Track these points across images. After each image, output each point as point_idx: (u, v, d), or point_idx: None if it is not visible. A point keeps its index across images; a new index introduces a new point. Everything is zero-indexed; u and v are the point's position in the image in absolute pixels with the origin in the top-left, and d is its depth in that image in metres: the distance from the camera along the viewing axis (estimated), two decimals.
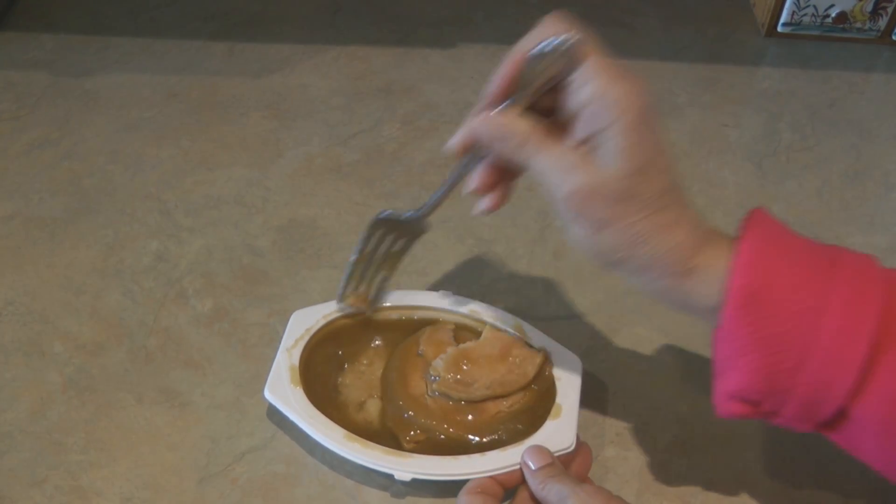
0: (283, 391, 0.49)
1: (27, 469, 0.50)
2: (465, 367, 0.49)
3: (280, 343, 0.52)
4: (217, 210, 0.66)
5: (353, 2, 0.87)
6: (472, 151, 0.43)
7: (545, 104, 0.41)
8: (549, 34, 0.39)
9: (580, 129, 0.39)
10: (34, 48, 0.81)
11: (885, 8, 0.80)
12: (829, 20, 0.82)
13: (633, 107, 0.37)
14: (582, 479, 0.47)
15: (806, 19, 0.82)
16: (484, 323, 0.53)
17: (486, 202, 0.44)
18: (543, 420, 0.48)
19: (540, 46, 0.38)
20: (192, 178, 0.68)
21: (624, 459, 0.51)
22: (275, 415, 0.52)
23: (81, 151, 0.70)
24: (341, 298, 0.52)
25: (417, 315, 0.54)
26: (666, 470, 0.50)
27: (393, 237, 0.51)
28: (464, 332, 0.53)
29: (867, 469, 0.49)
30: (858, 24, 0.82)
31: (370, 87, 0.77)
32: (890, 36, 0.83)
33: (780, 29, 0.83)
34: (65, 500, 0.48)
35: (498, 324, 0.53)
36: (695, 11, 0.87)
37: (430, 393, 0.49)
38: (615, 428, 0.52)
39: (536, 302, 0.59)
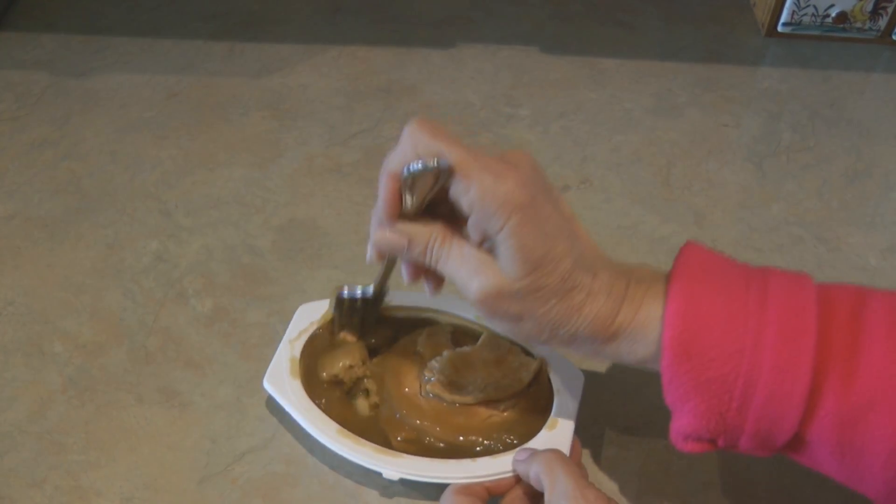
0: (282, 382, 0.49)
1: (27, 469, 0.50)
2: (460, 370, 0.49)
3: (282, 337, 0.52)
4: (217, 210, 0.66)
5: (353, 2, 0.87)
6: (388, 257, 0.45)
7: (445, 205, 0.41)
8: (416, 151, 0.39)
9: (472, 232, 0.40)
10: (34, 48, 0.81)
11: (885, 8, 0.80)
12: (829, 20, 0.82)
13: (517, 207, 0.37)
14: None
15: (806, 19, 0.82)
16: (484, 326, 0.53)
17: (428, 286, 0.45)
18: (536, 432, 0.48)
19: (408, 171, 0.39)
20: (192, 178, 0.68)
21: (624, 459, 0.51)
22: (274, 415, 0.52)
23: (81, 151, 0.70)
24: (337, 332, 0.53)
25: (420, 315, 0.54)
26: (666, 470, 0.50)
27: (360, 305, 0.51)
28: (464, 335, 0.53)
29: None
30: (858, 24, 0.82)
31: (370, 87, 0.77)
32: (890, 36, 0.83)
33: (780, 29, 0.83)
34: (65, 500, 0.48)
35: (498, 328, 0.53)
36: (695, 11, 0.87)
37: (423, 394, 0.49)
38: (615, 428, 0.52)
39: None
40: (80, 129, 0.73)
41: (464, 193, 0.38)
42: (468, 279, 0.40)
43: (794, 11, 0.81)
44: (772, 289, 0.38)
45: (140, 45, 0.81)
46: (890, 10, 0.80)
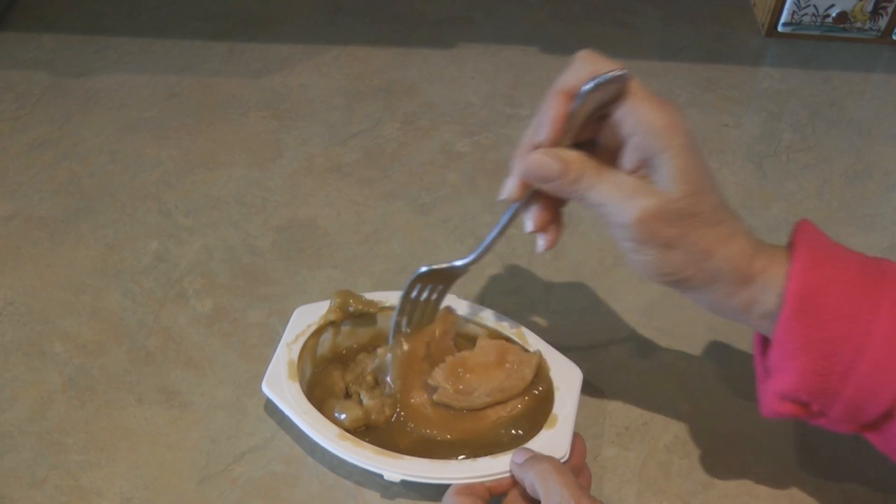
0: (281, 385, 0.49)
1: (27, 469, 0.50)
2: (463, 377, 0.49)
3: (280, 340, 0.52)
4: (217, 210, 0.66)
5: (353, 2, 0.87)
6: (528, 193, 0.43)
7: (583, 135, 0.41)
8: (593, 70, 0.39)
9: (629, 157, 0.40)
10: (34, 48, 0.81)
11: (885, 8, 0.80)
12: (830, 20, 0.82)
13: (682, 132, 0.38)
14: (578, 468, 0.47)
15: (806, 19, 0.82)
16: (485, 325, 0.53)
17: (544, 240, 0.44)
18: (541, 423, 0.48)
19: (593, 83, 0.38)
20: (192, 178, 0.68)
21: (624, 459, 0.51)
22: (274, 414, 0.52)
23: (81, 151, 0.70)
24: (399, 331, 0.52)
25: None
26: (666, 470, 0.50)
27: (432, 286, 0.50)
28: (463, 336, 0.53)
29: (867, 470, 0.49)
30: (859, 24, 0.82)
31: (370, 87, 0.77)
32: (890, 36, 0.83)
33: (780, 29, 0.83)
34: (65, 500, 0.48)
35: (499, 329, 0.53)
36: (695, 11, 0.87)
37: (432, 403, 0.49)
38: (615, 428, 0.52)
39: (536, 302, 0.59)
40: (80, 129, 0.73)
41: (631, 113, 0.38)
42: (626, 201, 0.39)
43: (794, 11, 0.81)
44: (885, 266, 0.40)
45: (140, 45, 0.81)
46: (890, 10, 0.80)
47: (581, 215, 0.65)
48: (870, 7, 0.80)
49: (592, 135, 0.42)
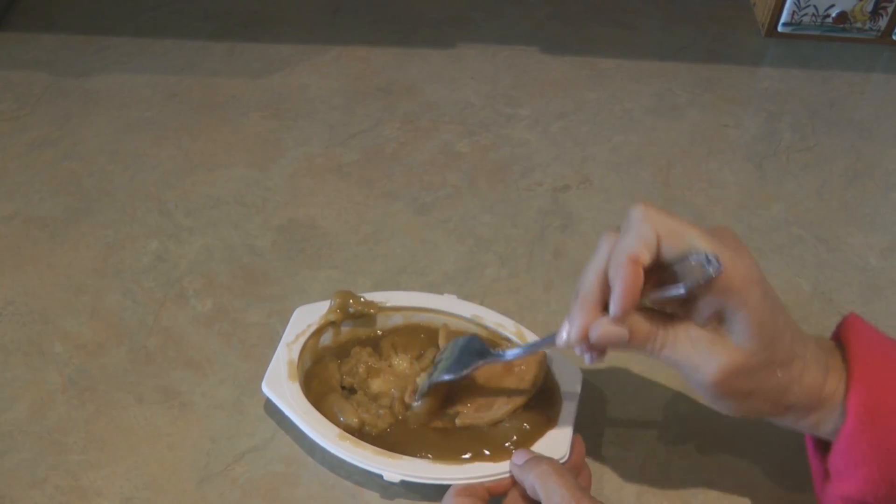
0: (281, 386, 0.49)
1: (27, 469, 0.50)
2: (479, 394, 0.49)
3: (280, 339, 0.52)
4: (217, 210, 0.66)
5: (353, 2, 0.87)
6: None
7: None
8: (652, 237, 0.38)
9: (703, 310, 0.39)
10: (34, 48, 0.81)
11: (885, 8, 0.80)
12: (830, 20, 0.82)
13: (756, 284, 0.38)
14: (578, 468, 0.47)
15: (806, 19, 0.82)
16: (485, 327, 0.53)
17: (590, 358, 0.43)
18: (547, 418, 0.48)
19: (687, 287, 0.37)
20: (192, 178, 0.68)
21: (624, 459, 0.51)
22: (274, 414, 0.52)
23: (81, 151, 0.70)
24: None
25: (419, 317, 0.54)
26: (666, 470, 0.50)
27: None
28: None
29: None
30: (858, 24, 0.82)
31: (370, 87, 0.77)
32: (890, 36, 0.83)
33: (780, 29, 0.83)
34: (65, 500, 0.48)
35: (499, 329, 0.53)
36: (695, 11, 0.87)
37: (457, 424, 0.49)
38: (615, 428, 0.52)
39: (536, 302, 0.59)
40: (80, 129, 0.72)
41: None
42: (702, 361, 0.39)
43: (794, 11, 0.81)
44: None
45: (140, 45, 0.81)
46: (890, 10, 0.80)
47: (581, 215, 0.65)
48: (870, 7, 0.80)
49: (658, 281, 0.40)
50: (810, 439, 0.45)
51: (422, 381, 0.49)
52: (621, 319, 0.39)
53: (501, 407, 0.49)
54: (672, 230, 0.38)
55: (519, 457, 0.45)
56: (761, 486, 0.50)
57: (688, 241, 0.37)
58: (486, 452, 0.47)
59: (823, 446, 0.43)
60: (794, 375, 0.40)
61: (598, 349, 0.41)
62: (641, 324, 0.40)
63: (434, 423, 0.49)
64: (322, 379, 0.51)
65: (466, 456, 0.46)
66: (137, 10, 0.86)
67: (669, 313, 0.41)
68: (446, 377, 0.48)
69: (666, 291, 0.39)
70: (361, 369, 0.51)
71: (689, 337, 0.39)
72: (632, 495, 0.49)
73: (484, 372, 0.50)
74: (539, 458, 0.44)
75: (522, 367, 0.50)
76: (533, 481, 0.43)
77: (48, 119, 0.73)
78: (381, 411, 0.49)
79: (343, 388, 0.51)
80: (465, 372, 0.47)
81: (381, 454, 0.46)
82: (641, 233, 0.38)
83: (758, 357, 0.39)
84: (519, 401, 0.49)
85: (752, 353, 0.38)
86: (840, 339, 0.42)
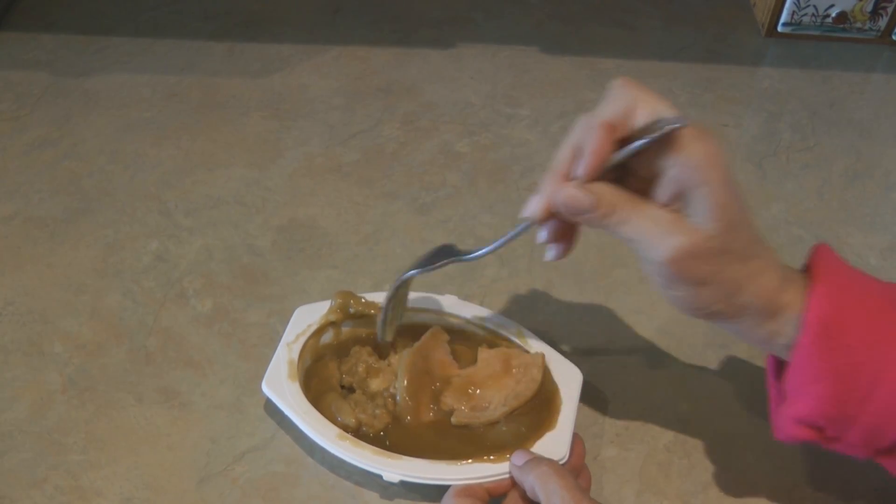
0: (281, 385, 0.49)
1: (27, 469, 0.50)
2: (475, 393, 0.49)
3: (280, 340, 0.52)
4: (217, 210, 0.66)
5: (353, 2, 0.87)
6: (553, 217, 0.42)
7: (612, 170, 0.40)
8: (634, 104, 0.38)
9: (664, 189, 0.39)
10: (34, 48, 0.81)
11: (885, 8, 0.80)
12: (829, 20, 0.82)
13: (719, 166, 0.38)
14: (578, 469, 0.47)
15: (806, 19, 0.82)
16: (485, 327, 0.53)
17: (555, 251, 0.44)
18: (544, 420, 0.48)
19: (647, 139, 0.37)
20: (192, 178, 0.68)
21: (624, 459, 0.51)
22: (274, 414, 0.52)
23: (81, 151, 0.70)
24: (381, 337, 0.52)
25: (420, 318, 0.54)
26: (666, 470, 0.50)
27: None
28: (462, 339, 0.53)
29: (867, 471, 0.49)
30: (858, 24, 0.82)
31: (370, 87, 0.77)
32: (890, 36, 0.83)
33: (780, 29, 0.83)
34: (65, 500, 0.48)
35: (499, 330, 0.53)
36: (695, 11, 0.87)
37: (452, 424, 0.49)
38: (615, 428, 0.52)
39: (536, 302, 0.59)
40: (80, 129, 0.72)
41: (669, 145, 0.37)
42: (660, 238, 0.38)
43: (794, 11, 0.81)
44: None
45: (140, 45, 0.81)
46: (890, 10, 0.80)
47: None
48: (870, 7, 0.80)
49: (626, 161, 0.40)
50: (771, 365, 0.44)
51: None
52: (587, 181, 0.39)
53: (498, 408, 0.49)
54: (645, 100, 0.38)
55: (518, 458, 0.45)
56: (761, 486, 0.50)
57: (658, 110, 0.38)
58: (486, 454, 0.46)
59: (782, 371, 0.43)
60: (752, 272, 0.39)
61: (554, 231, 0.42)
62: (606, 192, 0.39)
63: (426, 417, 0.49)
64: (322, 378, 0.51)
65: (468, 460, 0.46)
66: (137, 10, 0.86)
67: (632, 191, 0.40)
68: (413, 272, 0.48)
69: (630, 146, 0.38)
70: (361, 368, 0.51)
71: (650, 214, 0.39)
72: (632, 495, 0.49)
73: (482, 371, 0.50)
74: (539, 460, 0.44)
75: (521, 368, 0.50)
76: (533, 482, 0.43)
77: (48, 119, 0.73)
78: (377, 411, 0.49)
79: (343, 387, 0.51)
80: (431, 267, 0.47)
81: (380, 454, 0.46)
82: (616, 101, 0.39)
83: (716, 241, 0.38)
84: (516, 402, 0.49)
85: (710, 236, 0.38)
86: (808, 265, 0.42)
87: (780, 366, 0.44)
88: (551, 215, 0.41)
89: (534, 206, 0.41)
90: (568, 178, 0.40)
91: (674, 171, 0.38)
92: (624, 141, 0.39)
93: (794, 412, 0.41)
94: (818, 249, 0.43)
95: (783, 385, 0.42)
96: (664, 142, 0.37)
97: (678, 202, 0.39)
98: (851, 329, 0.39)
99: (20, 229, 0.64)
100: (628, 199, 0.39)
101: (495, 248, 0.45)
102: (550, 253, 0.44)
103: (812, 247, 0.43)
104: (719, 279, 0.39)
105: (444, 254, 0.48)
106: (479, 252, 0.46)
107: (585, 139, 0.39)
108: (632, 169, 0.40)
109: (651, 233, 0.39)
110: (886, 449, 0.40)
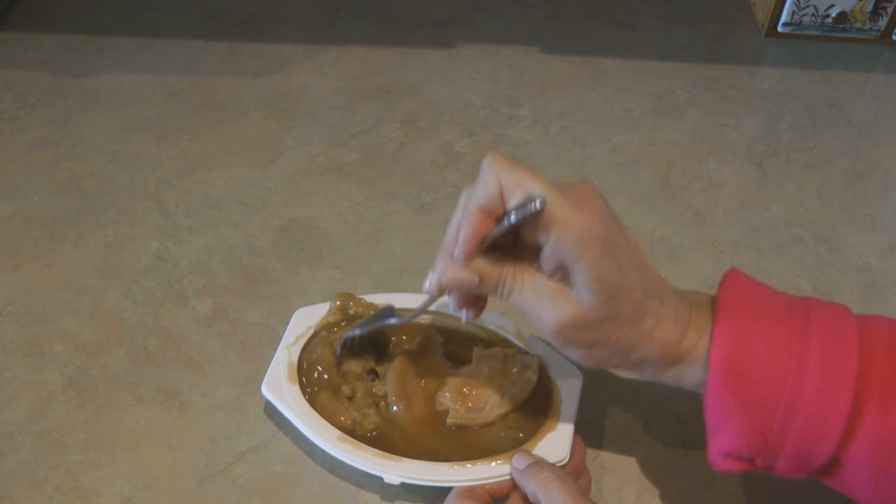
0: (280, 387, 0.49)
1: (27, 469, 0.50)
2: (471, 394, 0.49)
3: (280, 340, 0.52)
4: (217, 210, 0.66)
5: (353, 2, 0.87)
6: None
7: (507, 236, 0.41)
8: (495, 189, 0.39)
9: (546, 262, 0.40)
10: (34, 48, 0.81)
11: (885, 8, 0.80)
12: (829, 20, 0.82)
13: (594, 239, 0.38)
14: (578, 470, 0.47)
15: (806, 19, 0.82)
16: (484, 328, 0.53)
17: (464, 315, 0.45)
18: (541, 425, 0.48)
19: (513, 219, 0.39)
20: (192, 178, 0.68)
21: (624, 459, 0.51)
22: (274, 415, 0.52)
23: (81, 151, 0.70)
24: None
25: (419, 318, 0.54)
26: (666, 470, 0.50)
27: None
28: (460, 340, 0.53)
29: None
30: (858, 24, 0.82)
31: (370, 87, 0.77)
32: (890, 36, 0.83)
33: (780, 29, 0.83)
34: (65, 500, 0.48)
35: (499, 331, 0.53)
36: (695, 11, 0.87)
37: (446, 424, 0.49)
38: (615, 428, 0.52)
39: None
40: (80, 129, 0.72)
41: (544, 226, 0.38)
42: (543, 311, 0.40)
43: (794, 11, 0.81)
44: (814, 316, 0.40)
45: (140, 45, 0.81)
46: (890, 10, 0.80)
47: None
48: (870, 7, 0.80)
49: (514, 229, 0.41)
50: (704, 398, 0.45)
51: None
52: (466, 262, 0.41)
53: (494, 409, 0.49)
54: (514, 178, 0.39)
55: (520, 461, 0.45)
56: (761, 486, 0.50)
57: (528, 188, 0.38)
58: (486, 456, 0.46)
59: None
60: (645, 332, 0.40)
61: (460, 300, 0.44)
62: (488, 268, 0.41)
63: (421, 418, 0.49)
64: (319, 371, 0.51)
65: (468, 462, 0.46)
66: (137, 10, 0.86)
67: (520, 260, 0.42)
68: (356, 332, 0.50)
69: (498, 226, 0.40)
70: (359, 369, 0.51)
71: (534, 286, 0.40)
72: (632, 495, 0.49)
73: (477, 371, 0.50)
74: (540, 465, 0.44)
75: (517, 368, 0.50)
76: (535, 488, 0.43)
77: (48, 119, 0.73)
78: (368, 411, 0.49)
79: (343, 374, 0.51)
80: (368, 328, 0.50)
81: (381, 456, 0.46)
82: (485, 183, 0.40)
83: (598, 312, 0.39)
84: (511, 404, 0.49)
85: (591, 308, 0.39)
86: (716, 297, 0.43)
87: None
88: (444, 291, 0.43)
89: (429, 283, 0.43)
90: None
91: (549, 248, 0.39)
92: (504, 216, 0.40)
93: (718, 447, 0.41)
94: (726, 278, 0.43)
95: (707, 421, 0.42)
96: (537, 219, 0.38)
97: (561, 274, 0.40)
98: (756, 364, 0.39)
99: (20, 229, 0.64)
100: (513, 270, 0.41)
101: (413, 316, 0.48)
102: (463, 316, 0.45)
103: (724, 274, 0.43)
104: (609, 342, 0.40)
105: (383, 316, 0.51)
106: (402, 319, 0.50)
107: (462, 221, 0.40)
108: (520, 236, 0.41)
109: (535, 305, 0.40)
110: (820, 470, 0.40)
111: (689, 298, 0.42)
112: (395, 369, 0.50)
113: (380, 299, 0.54)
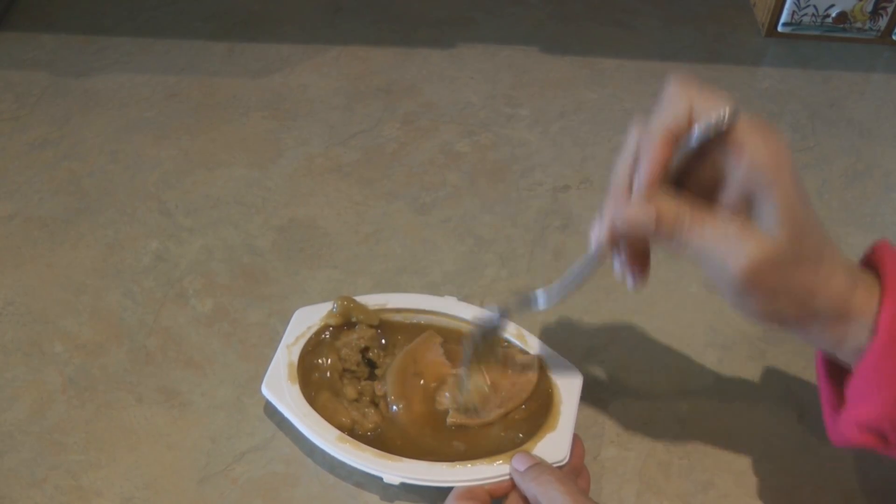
0: (280, 387, 0.49)
1: (27, 469, 0.50)
2: (472, 394, 0.49)
3: (280, 340, 0.52)
4: (217, 210, 0.66)
5: (353, 2, 0.87)
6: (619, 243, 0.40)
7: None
8: (693, 105, 0.36)
9: (730, 193, 0.37)
10: (34, 48, 0.81)
11: (885, 8, 0.80)
12: (829, 20, 0.82)
13: (786, 168, 0.36)
14: (578, 470, 0.47)
15: (806, 19, 0.82)
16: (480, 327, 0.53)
17: (632, 279, 0.42)
18: (541, 426, 0.48)
19: (703, 133, 0.36)
20: (192, 178, 0.68)
21: (624, 459, 0.51)
22: (274, 415, 0.52)
23: (81, 151, 0.70)
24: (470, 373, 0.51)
25: (420, 319, 0.54)
26: (666, 470, 0.50)
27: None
28: (461, 340, 0.53)
29: (868, 470, 0.49)
30: (858, 24, 0.82)
31: (370, 87, 0.77)
32: (890, 36, 0.83)
33: (780, 29, 0.83)
34: (65, 500, 0.48)
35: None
36: (695, 11, 0.87)
37: (447, 424, 0.49)
38: (615, 428, 0.52)
39: None
40: (80, 129, 0.72)
41: (733, 150, 0.36)
42: (730, 250, 0.36)
43: (794, 11, 0.81)
44: None
45: (140, 45, 0.81)
46: (890, 10, 0.80)
47: (581, 215, 0.65)
48: (870, 7, 0.80)
49: (685, 165, 0.39)
50: (823, 368, 0.43)
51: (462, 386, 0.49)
52: (647, 195, 0.37)
53: (493, 410, 0.49)
54: (707, 99, 0.36)
55: (520, 462, 0.45)
56: (761, 487, 0.50)
57: (721, 110, 0.36)
58: (487, 456, 0.46)
59: (836, 375, 0.42)
60: (823, 277, 0.38)
61: (630, 256, 0.40)
62: (668, 204, 0.37)
63: (420, 418, 0.49)
64: (321, 371, 0.51)
65: (468, 462, 0.46)
66: (137, 10, 0.86)
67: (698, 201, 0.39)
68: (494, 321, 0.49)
69: (681, 147, 0.36)
70: (353, 360, 0.51)
71: (718, 224, 0.37)
72: (632, 495, 0.49)
73: (479, 372, 0.50)
74: (540, 467, 0.44)
75: (517, 368, 0.50)
76: (535, 491, 0.43)
77: (48, 119, 0.73)
78: (367, 410, 0.49)
79: (344, 370, 0.51)
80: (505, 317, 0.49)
81: (381, 456, 0.46)
82: (674, 104, 0.37)
83: (787, 248, 0.36)
84: (511, 404, 0.49)
85: (781, 243, 0.36)
86: (871, 264, 0.41)
87: (832, 370, 0.42)
88: (617, 242, 0.39)
89: (597, 233, 0.39)
90: (628, 193, 0.38)
91: (738, 173, 0.36)
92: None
93: (857, 417, 0.39)
94: (881, 247, 0.41)
95: (845, 389, 0.40)
96: (727, 142, 0.36)
97: (745, 207, 0.37)
98: None
99: (20, 229, 0.64)
100: (692, 210, 0.38)
101: (569, 289, 0.44)
102: (629, 282, 0.42)
103: (872, 245, 0.41)
104: (792, 287, 0.37)
105: (526, 301, 0.47)
106: (550, 298, 0.45)
107: (643, 149, 0.37)
108: (695, 174, 0.38)
109: (720, 246, 0.37)
110: None
111: (852, 263, 0.40)
112: (394, 369, 0.50)
113: (380, 299, 0.54)
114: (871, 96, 0.78)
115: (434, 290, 0.59)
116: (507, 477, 0.45)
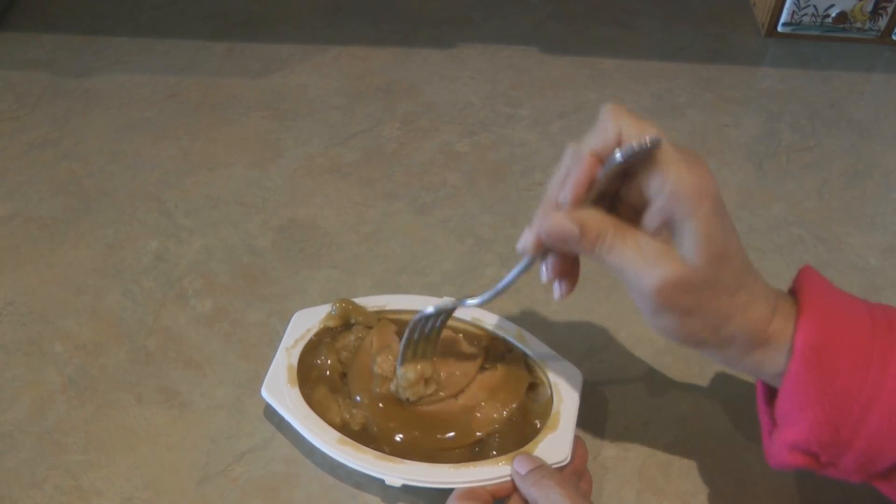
0: (280, 390, 0.49)
1: (27, 469, 0.50)
2: (418, 378, 0.49)
3: (280, 342, 0.52)
4: (217, 210, 0.66)
5: (353, 2, 0.87)
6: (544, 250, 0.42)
7: (607, 189, 0.40)
8: (621, 130, 0.38)
9: (653, 218, 0.39)
10: (34, 48, 0.81)
11: (885, 8, 0.80)
12: (829, 20, 0.82)
13: (708, 197, 0.37)
14: (580, 472, 0.47)
15: (806, 19, 0.82)
16: (484, 329, 0.53)
17: (560, 289, 0.44)
18: (543, 423, 0.48)
19: (625, 154, 0.37)
20: (192, 178, 0.68)
21: (624, 459, 0.51)
22: (274, 415, 0.52)
23: (81, 151, 0.70)
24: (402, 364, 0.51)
25: (406, 318, 0.54)
26: (666, 470, 0.50)
27: (433, 321, 0.49)
28: (463, 340, 0.53)
29: None
30: (858, 24, 0.82)
31: (370, 87, 0.77)
32: (890, 36, 0.83)
33: (780, 29, 0.83)
34: (65, 500, 0.48)
35: (498, 332, 0.53)
36: (695, 11, 0.87)
37: (401, 398, 0.49)
38: (615, 428, 0.52)
39: (536, 302, 0.59)
40: (80, 129, 0.73)
41: (657, 176, 0.37)
42: (646, 269, 0.38)
43: (794, 11, 0.81)
44: (893, 314, 0.40)
45: (140, 45, 0.81)
46: (890, 10, 0.80)
47: None
48: (870, 7, 0.80)
49: (616, 187, 0.40)
50: (761, 391, 0.44)
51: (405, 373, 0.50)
52: (571, 208, 0.39)
53: (435, 392, 0.49)
54: (634, 126, 0.38)
55: (521, 465, 0.45)
56: (761, 487, 0.50)
57: (646, 134, 0.37)
58: (487, 457, 0.46)
59: (774, 398, 0.43)
60: (739, 304, 0.39)
61: (556, 266, 0.42)
62: (593, 218, 0.39)
63: (380, 399, 0.49)
64: (320, 370, 0.51)
65: (469, 463, 0.46)
66: (137, 10, 0.86)
67: (623, 219, 0.40)
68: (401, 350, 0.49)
69: (605, 164, 0.38)
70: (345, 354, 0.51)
71: (637, 243, 0.39)
72: (632, 495, 0.49)
73: (425, 352, 0.50)
74: (541, 471, 0.44)
75: (458, 358, 0.50)
76: (536, 495, 0.43)
77: (48, 119, 0.73)
78: (354, 410, 0.49)
79: (340, 362, 0.51)
80: (411, 331, 0.48)
81: (382, 458, 0.46)
82: (604, 128, 0.38)
83: (702, 274, 0.38)
84: (453, 388, 0.49)
85: (697, 269, 0.38)
86: (793, 290, 0.42)
87: (770, 392, 0.43)
88: (543, 247, 0.41)
89: (525, 238, 0.42)
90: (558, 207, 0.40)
91: (661, 201, 0.38)
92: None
93: (787, 438, 0.40)
94: (803, 272, 0.42)
95: (775, 411, 0.42)
96: (653, 170, 0.37)
97: (666, 231, 0.39)
98: (841, 354, 0.38)
99: (20, 229, 0.64)
100: (615, 225, 0.39)
101: (497, 291, 0.46)
102: (556, 292, 0.44)
103: (799, 270, 0.43)
104: (705, 310, 0.39)
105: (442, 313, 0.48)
106: (482, 298, 0.47)
107: (572, 167, 0.39)
108: (623, 197, 0.40)
109: (637, 262, 0.39)
110: (881, 473, 0.40)
111: (775, 291, 0.41)
112: (353, 369, 0.51)
113: (380, 300, 0.54)
114: (871, 96, 0.78)
115: (434, 290, 0.59)
116: (509, 478, 0.45)
